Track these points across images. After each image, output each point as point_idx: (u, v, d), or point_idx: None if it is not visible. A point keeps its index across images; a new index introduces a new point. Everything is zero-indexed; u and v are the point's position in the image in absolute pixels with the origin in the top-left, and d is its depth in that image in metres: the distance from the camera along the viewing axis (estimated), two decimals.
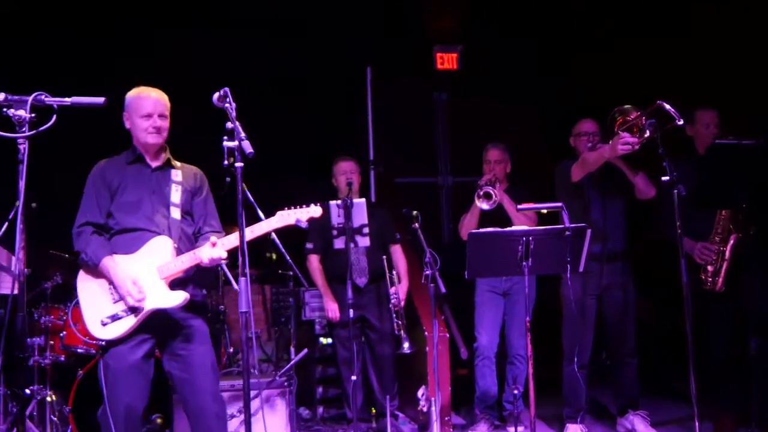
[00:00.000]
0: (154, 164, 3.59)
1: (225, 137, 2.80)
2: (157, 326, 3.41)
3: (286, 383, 4.27)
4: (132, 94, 3.54)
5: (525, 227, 4.00)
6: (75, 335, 4.84)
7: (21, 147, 2.16)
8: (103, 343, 3.38)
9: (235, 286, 5.02)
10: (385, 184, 7.01)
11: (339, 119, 6.97)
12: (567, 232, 3.85)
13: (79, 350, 4.82)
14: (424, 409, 5.15)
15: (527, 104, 7.40)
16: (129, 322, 3.34)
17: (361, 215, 4.39)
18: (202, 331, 3.53)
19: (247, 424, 2.67)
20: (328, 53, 6.75)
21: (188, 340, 3.45)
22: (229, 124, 2.81)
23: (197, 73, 5.81)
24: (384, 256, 5.09)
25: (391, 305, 5.06)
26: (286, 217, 3.55)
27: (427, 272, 4.20)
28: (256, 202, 4.64)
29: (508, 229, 3.93)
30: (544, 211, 4.23)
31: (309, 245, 5.22)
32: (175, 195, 3.57)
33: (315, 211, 3.59)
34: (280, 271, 5.55)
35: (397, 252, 5.29)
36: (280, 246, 4.72)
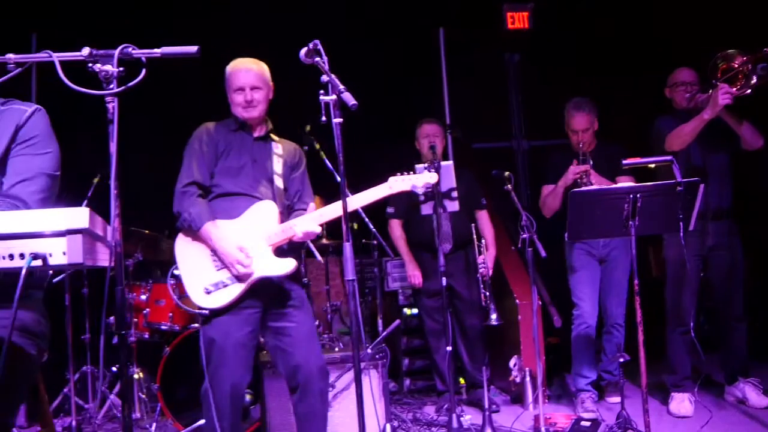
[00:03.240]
0: (257, 134, 3.46)
1: (321, 92, 2.60)
2: (263, 295, 3.27)
3: (378, 356, 4.10)
4: (229, 67, 3.40)
5: (631, 184, 3.73)
6: (159, 312, 4.80)
7: (110, 105, 1.99)
8: (207, 312, 3.22)
9: (319, 258, 4.89)
10: (462, 148, 6.75)
11: (414, 83, 6.73)
12: (679, 188, 3.56)
13: (163, 327, 4.77)
14: (517, 380, 4.96)
15: (604, 62, 7.03)
16: (235, 291, 3.20)
17: (449, 179, 4.15)
18: (304, 303, 3.38)
19: (359, 396, 2.50)
20: (401, 14, 6.49)
21: (291, 312, 3.31)
22: (324, 78, 2.61)
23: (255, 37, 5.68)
24: (472, 223, 4.88)
25: (479, 275, 4.85)
26: (400, 183, 3.35)
27: (524, 236, 3.96)
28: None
29: (614, 186, 3.65)
30: (652, 165, 3.93)
31: (390, 209, 5.04)
32: (277, 165, 3.44)
33: (431, 177, 3.40)
34: (363, 241, 5.37)
35: (484, 218, 5.05)
36: (363, 215, 4.54)
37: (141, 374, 4.85)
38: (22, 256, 1.69)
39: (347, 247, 2.52)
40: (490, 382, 5.23)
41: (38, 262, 1.68)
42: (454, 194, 4.21)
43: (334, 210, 3.26)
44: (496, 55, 7.65)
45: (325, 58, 2.68)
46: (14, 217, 1.71)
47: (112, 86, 1.96)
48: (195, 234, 3.28)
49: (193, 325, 4.52)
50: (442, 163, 4.12)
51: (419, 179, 3.37)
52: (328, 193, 3.75)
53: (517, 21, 7.47)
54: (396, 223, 5.03)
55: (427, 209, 4.27)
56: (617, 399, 4.40)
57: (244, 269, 3.18)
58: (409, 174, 3.39)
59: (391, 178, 3.36)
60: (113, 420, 4.90)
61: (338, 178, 4.34)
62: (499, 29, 7.35)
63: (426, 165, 4.20)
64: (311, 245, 4.70)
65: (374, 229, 4.66)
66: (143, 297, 4.87)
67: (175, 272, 4.60)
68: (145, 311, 4.82)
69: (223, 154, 3.36)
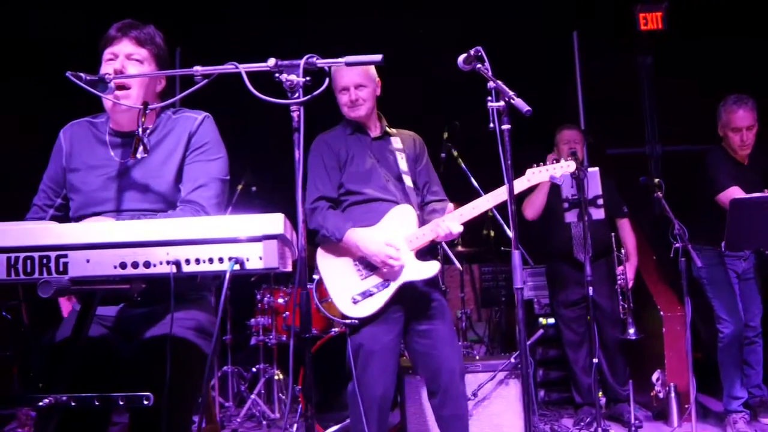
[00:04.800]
0: (373, 133, 3.45)
1: (489, 98, 2.57)
2: (405, 301, 3.27)
3: (520, 365, 4.03)
4: (333, 68, 3.34)
5: None
6: (297, 316, 4.90)
7: (294, 114, 2.03)
8: (356, 322, 3.24)
9: (458, 264, 4.87)
10: (596, 154, 6.57)
11: (547, 88, 6.61)
12: None
13: None
14: (660, 395, 4.76)
15: (742, 65, 6.67)
16: (382, 298, 3.20)
17: (595, 186, 4.05)
18: (444, 307, 3.36)
19: (526, 405, 2.46)
20: (534, 18, 6.40)
21: (432, 315, 3.29)
22: (490, 84, 2.58)
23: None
24: (612, 232, 4.74)
25: (617, 285, 4.71)
26: (538, 175, 3.30)
27: (677, 245, 3.81)
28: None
29: None
30: None
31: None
32: (402, 163, 3.40)
33: (569, 165, 3.33)
34: (502, 249, 5.31)
35: (625, 227, 4.90)
36: (502, 222, 4.48)
37: (281, 376, 4.98)
38: (221, 260, 1.75)
39: (516, 255, 2.48)
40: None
41: (237, 267, 1.73)
42: (600, 202, 4.10)
43: (473, 208, 3.26)
44: (628, 58, 7.41)
45: (488, 65, 2.65)
46: (214, 222, 1.77)
47: (297, 95, 2.00)
48: (335, 247, 3.28)
49: (333, 329, 4.58)
50: (589, 169, 4.02)
51: (557, 169, 3.31)
52: (469, 200, 3.71)
53: (650, 22, 7.20)
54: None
55: (571, 217, 4.18)
56: None
57: (397, 262, 3.16)
58: (548, 164, 3.33)
59: (528, 170, 3.31)
60: (252, 419, 5.04)
61: (474, 184, 4.37)
62: (631, 31, 7.12)
63: (570, 172, 4.12)
64: (449, 252, 4.68)
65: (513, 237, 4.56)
66: (282, 300, 5.00)
67: (315, 277, 4.73)
68: (284, 314, 4.94)
69: (347, 161, 3.35)
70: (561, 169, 3.34)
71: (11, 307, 5.38)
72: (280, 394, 4.96)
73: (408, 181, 3.39)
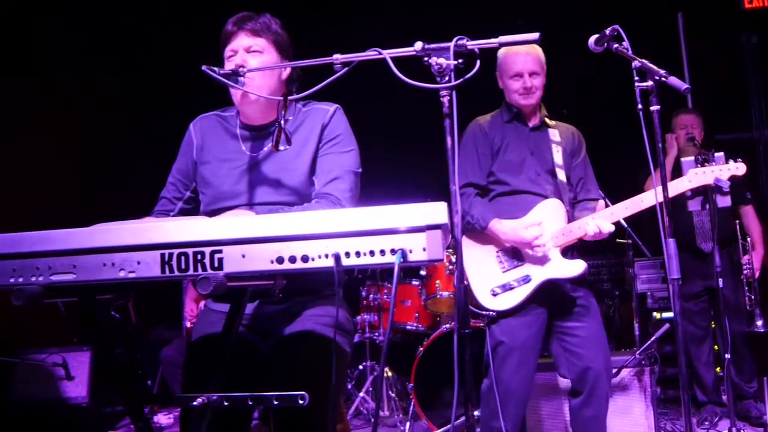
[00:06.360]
0: (532, 123, 3.32)
1: (636, 78, 2.41)
2: (548, 299, 3.14)
3: (644, 361, 3.86)
4: (502, 51, 3.26)
5: None
6: (405, 312, 4.83)
7: (444, 99, 1.93)
8: (494, 314, 3.13)
9: None
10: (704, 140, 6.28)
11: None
12: None
13: (408, 327, 4.80)
14: None
15: None
16: (522, 293, 3.10)
17: None
18: (593, 306, 3.20)
19: (687, 407, 2.31)
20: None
21: (578, 314, 3.15)
22: (635, 63, 2.42)
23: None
24: (735, 220, 4.49)
25: (743, 276, 4.45)
26: (701, 177, 3.12)
27: None
28: None
29: None
30: None
31: None
32: (557, 156, 3.25)
33: (739, 167, 3.11)
34: (617, 240, 5.09)
35: (750, 214, 4.65)
36: None
37: (390, 373, 4.92)
38: (382, 252, 1.66)
39: (671, 244, 2.31)
40: (758, 393, 4.80)
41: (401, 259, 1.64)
42: (726, 188, 3.85)
43: (626, 208, 3.11)
44: (733, 38, 7.04)
45: (627, 44, 2.49)
46: (373, 212, 1.68)
47: (446, 79, 1.90)
48: (478, 235, 3.20)
49: (445, 326, 4.47)
50: (716, 154, 3.79)
51: (723, 171, 3.11)
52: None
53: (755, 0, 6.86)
54: None
55: (694, 205, 3.92)
56: None
57: (542, 240, 3.05)
58: (713, 164, 3.13)
59: (690, 171, 3.14)
60: (359, 416, 5.00)
61: (652, 170, 4.18)
62: (736, 10, 6.77)
63: (693, 158, 3.90)
64: None
65: (629, 227, 4.38)
66: (387, 297, 4.93)
67: (422, 273, 4.65)
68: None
69: (500, 149, 3.23)
70: (729, 171, 3.14)
71: (119, 307, 5.49)
72: (390, 392, 4.89)
73: (561, 175, 3.25)
